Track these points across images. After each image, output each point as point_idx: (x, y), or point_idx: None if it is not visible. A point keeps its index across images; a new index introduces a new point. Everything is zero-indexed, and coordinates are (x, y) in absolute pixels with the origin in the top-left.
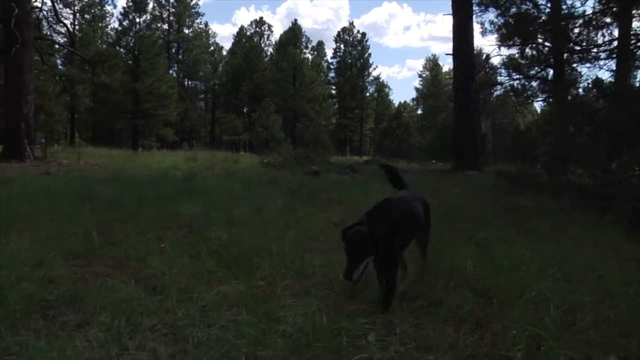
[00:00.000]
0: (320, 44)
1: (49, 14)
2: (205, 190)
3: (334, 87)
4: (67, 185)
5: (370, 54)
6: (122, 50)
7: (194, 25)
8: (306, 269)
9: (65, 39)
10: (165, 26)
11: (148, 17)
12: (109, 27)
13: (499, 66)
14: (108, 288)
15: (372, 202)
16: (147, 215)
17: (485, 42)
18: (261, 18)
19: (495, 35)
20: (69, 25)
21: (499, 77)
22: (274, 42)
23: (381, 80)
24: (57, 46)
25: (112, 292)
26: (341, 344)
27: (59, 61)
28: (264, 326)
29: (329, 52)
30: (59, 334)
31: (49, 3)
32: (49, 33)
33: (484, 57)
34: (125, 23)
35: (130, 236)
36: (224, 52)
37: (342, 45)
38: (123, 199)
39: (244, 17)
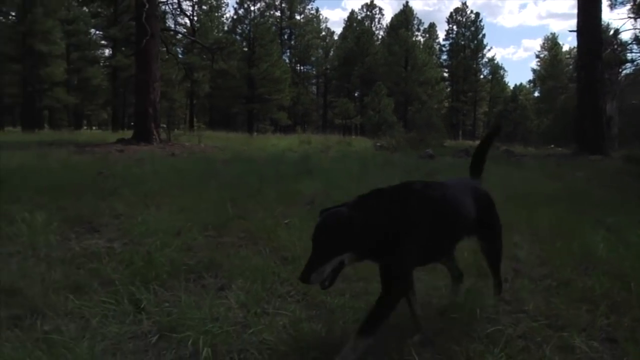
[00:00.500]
0: (432, 26)
1: (172, 6)
2: (323, 171)
3: (446, 70)
4: (192, 165)
5: (484, 35)
6: (237, 37)
7: (305, 11)
8: None
9: (185, 30)
10: (278, 13)
11: (262, 5)
12: (224, 16)
13: (629, 42)
14: (242, 257)
15: (490, 184)
16: (270, 193)
17: (615, 16)
18: (372, 1)
19: (628, 7)
20: (190, 16)
21: (629, 54)
22: (385, 26)
23: (495, 61)
24: (179, 36)
25: (246, 261)
26: (473, 317)
27: (178, 50)
28: None
29: (441, 34)
30: (203, 294)
31: None
32: (171, 24)
33: (611, 32)
34: (240, 11)
35: (257, 211)
36: (335, 37)
37: (454, 27)
38: (246, 177)
39: (354, 2)
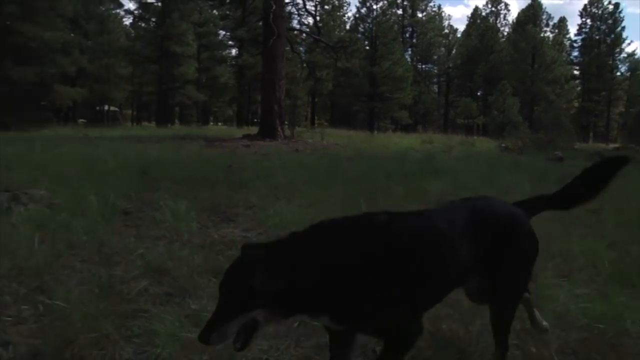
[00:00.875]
0: (562, 21)
1: (296, 7)
2: (448, 170)
3: (577, 68)
4: (317, 160)
5: (623, 28)
6: (360, 36)
7: (427, 8)
8: (565, 251)
9: (309, 29)
10: (400, 11)
11: (384, 3)
12: (346, 15)
13: None
14: None
15: (625, 190)
16: (397, 190)
17: None
18: None
19: None
20: (314, 16)
21: None
22: (510, 22)
23: (636, 57)
24: (303, 35)
25: None
26: (621, 330)
27: (301, 49)
28: None
29: (572, 29)
30: None
31: None
32: (296, 24)
33: None
34: (362, 10)
35: (386, 207)
36: (458, 35)
37: (588, 20)
38: (371, 174)
39: None
